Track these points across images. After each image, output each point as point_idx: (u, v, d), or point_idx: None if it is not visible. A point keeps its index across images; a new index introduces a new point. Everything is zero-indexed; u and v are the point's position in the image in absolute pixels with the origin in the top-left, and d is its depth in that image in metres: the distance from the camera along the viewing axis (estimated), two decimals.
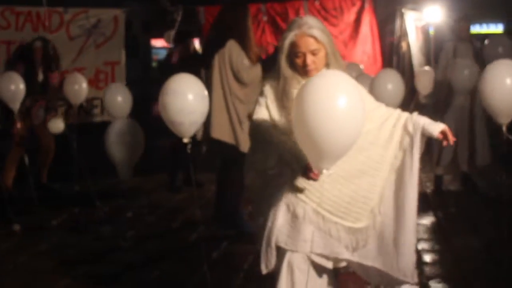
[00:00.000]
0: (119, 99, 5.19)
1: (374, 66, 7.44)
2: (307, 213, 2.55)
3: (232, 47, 4.48)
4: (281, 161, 2.55)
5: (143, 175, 6.59)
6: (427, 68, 6.86)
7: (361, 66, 6.61)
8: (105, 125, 5.27)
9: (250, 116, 4.56)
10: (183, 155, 6.09)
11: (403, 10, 7.83)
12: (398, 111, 2.77)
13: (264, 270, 2.65)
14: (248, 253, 4.41)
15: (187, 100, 3.50)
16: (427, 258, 4.30)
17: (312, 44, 2.52)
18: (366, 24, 7.48)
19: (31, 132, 5.94)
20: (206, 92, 3.66)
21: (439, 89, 5.86)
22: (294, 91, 2.44)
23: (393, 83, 5.07)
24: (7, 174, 5.95)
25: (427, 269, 4.09)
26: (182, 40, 6.52)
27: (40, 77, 5.56)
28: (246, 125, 4.58)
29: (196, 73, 4.61)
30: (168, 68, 6.31)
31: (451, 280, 3.94)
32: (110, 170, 4.97)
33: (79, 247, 4.75)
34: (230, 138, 4.58)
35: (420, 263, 4.17)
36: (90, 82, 6.54)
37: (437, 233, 4.85)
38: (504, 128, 4.01)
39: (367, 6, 7.47)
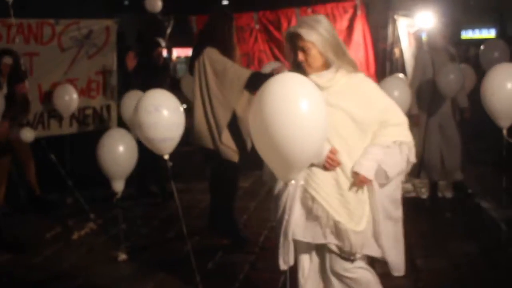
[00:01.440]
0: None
1: (366, 73, 7.38)
2: (315, 208, 2.60)
3: (209, 52, 4.44)
4: None
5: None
6: (400, 75, 6.83)
7: None
8: (97, 134, 5.20)
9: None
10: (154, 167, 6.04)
11: (395, 17, 7.83)
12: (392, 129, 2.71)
13: (282, 266, 2.67)
14: (244, 262, 4.39)
15: (177, 115, 3.52)
16: (423, 263, 4.27)
17: (298, 41, 2.56)
18: (359, 31, 7.47)
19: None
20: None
21: (420, 97, 5.75)
22: None
23: (399, 89, 5.04)
24: None
25: (423, 275, 4.06)
26: (147, 49, 6.47)
27: (4, 90, 5.34)
28: (225, 135, 4.46)
29: (161, 83, 4.64)
30: (125, 77, 6.27)
31: (448, 286, 3.93)
32: (103, 181, 4.92)
33: (73, 260, 4.70)
34: (213, 145, 4.54)
35: (416, 269, 4.15)
36: (82, 92, 6.51)
37: (432, 238, 4.83)
38: (504, 132, 4.02)
39: (360, 13, 7.46)
